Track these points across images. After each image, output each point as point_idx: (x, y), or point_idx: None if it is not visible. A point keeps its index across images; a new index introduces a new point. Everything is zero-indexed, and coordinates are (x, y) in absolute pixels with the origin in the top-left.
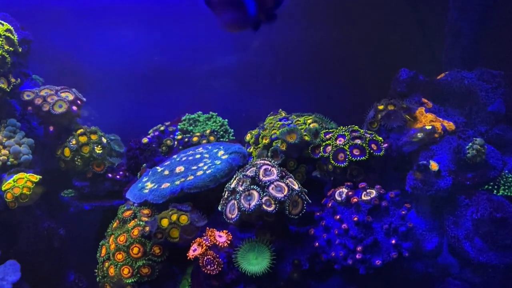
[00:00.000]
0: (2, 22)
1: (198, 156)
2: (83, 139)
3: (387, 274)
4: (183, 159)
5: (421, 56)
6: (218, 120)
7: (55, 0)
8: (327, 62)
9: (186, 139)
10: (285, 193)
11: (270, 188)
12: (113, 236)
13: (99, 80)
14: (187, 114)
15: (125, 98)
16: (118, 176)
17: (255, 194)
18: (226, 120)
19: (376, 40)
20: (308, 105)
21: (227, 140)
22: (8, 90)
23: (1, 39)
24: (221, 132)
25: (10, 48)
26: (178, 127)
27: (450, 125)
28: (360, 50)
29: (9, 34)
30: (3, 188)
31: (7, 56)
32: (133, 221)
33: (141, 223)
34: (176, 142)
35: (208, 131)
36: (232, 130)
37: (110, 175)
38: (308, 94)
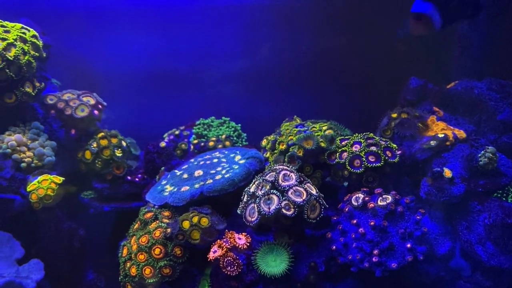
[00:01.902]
0: (28, 28)
1: (215, 160)
2: (104, 142)
3: (400, 277)
4: (201, 163)
5: (429, 65)
6: (231, 125)
7: (70, 4)
8: (336, 70)
9: (202, 144)
10: (304, 197)
11: (289, 192)
12: (135, 237)
13: (111, 84)
14: (201, 118)
15: (137, 102)
16: (137, 179)
17: (275, 198)
18: (239, 125)
19: (385, 49)
20: (316, 111)
21: (240, 145)
22: (34, 94)
23: (28, 44)
24: (235, 138)
25: (36, 54)
26: (193, 131)
27: (461, 133)
28: (370, 58)
29: (35, 40)
30: (28, 189)
31: (33, 61)
32: (155, 223)
33: (162, 224)
34: (192, 146)
35: (223, 136)
36: (245, 135)
37: (129, 177)
38: (317, 100)
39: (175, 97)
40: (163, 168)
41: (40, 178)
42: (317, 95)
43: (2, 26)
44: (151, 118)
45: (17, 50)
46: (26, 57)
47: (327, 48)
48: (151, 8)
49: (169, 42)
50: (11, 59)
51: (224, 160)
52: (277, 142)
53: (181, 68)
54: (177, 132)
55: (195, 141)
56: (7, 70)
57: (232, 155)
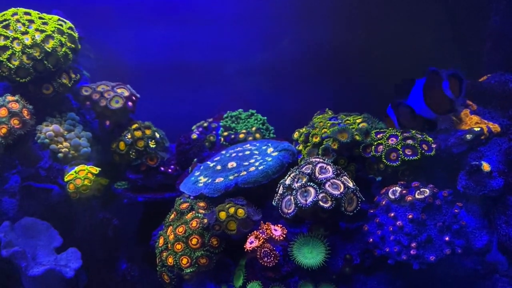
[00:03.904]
0: (65, 20)
1: (247, 152)
2: (138, 133)
3: (435, 271)
4: (233, 155)
5: (456, 59)
6: (259, 118)
7: None
8: (361, 62)
9: (233, 136)
10: (341, 190)
11: (327, 185)
12: (171, 227)
13: (136, 77)
14: (228, 111)
15: (161, 95)
16: (169, 170)
17: (312, 190)
18: (266, 118)
19: (410, 42)
20: (341, 104)
21: (268, 138)
22: (70, 85)
23: (65, 36)
24: (264, 130)
25: (72, 45)
26: (221, 124)
27: (495, 127)
28: (394, 52)
29: (71, 32)
30: (65, 179)
31: (70, 52)
32: (191, 213)
33: (199, 215)
34: (222, 138)
35: (254, 128)
36: (273, 128)
37: (162, 168)
38: (341, 93)
39: (199, 90)
40: (195, 159)
41: (77, 168)
42: (341, 88)
43: (41, 18)
44: (175, 111)
45: (55, 42)
46: (63, 49)
47: (351, 40)
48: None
49: (192, 35)
50: (49, 50)
51: (256, 152)
52: (310, 135)
53: (204, 61)
54: (205, 125)
55: (225, 133)
56: (45, 62)
57: (264, 148)
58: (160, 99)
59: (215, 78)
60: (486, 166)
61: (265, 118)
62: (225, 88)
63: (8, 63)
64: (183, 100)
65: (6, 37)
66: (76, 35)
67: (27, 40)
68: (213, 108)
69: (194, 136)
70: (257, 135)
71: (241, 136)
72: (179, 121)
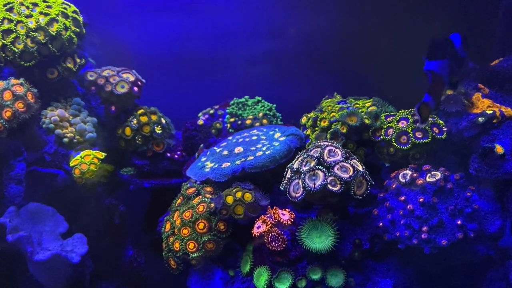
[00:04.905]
0: (69, 3)
1: (254, 137)
2: (143, 119)
3: (446, 256)
4: (240, 140)
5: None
6: (266, 105)
7: None
8: (367, 50)
9: (239, 122)
10: (350, 173)
11: (335, 168)
12: (178, 211)
13: (142, 65)
14: (235, 98)
15: (167, 84)
16: (176, 156)
17: (320, 174)
18: (274, 105)
19: (419, 26)
20: (347, 92)
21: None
22: (75, 70)
23: (69, 20)
24: (271, 116)
25: (77, 29)
26: (227, 110)
27: (508, 111)
28: (403, 37)
29: (76, 16)
30: (71, 164)
31: (74, 37)
32: (197, 198)
33: (206, 199)
34: (228, 125)
35: (260, 114)
36: (280, 115)
37: (168, 154)
38: (347, 81)
39: (205, 79)
40: (202, 145)
41: (82, 153)
42: (348, 76)
43: (45, 1)
44: (181, 100)
45: (59, 25)
46: (68, 33)
47: (357, 27)
48: None
49: (198, 23)
50: (54, 34)
51: (263, 137)
52: (318, 119)
53: (210, 50)
54: (211, 112)
55: (232, 120)
56: (50, 46)
57: (271, 133)
58: (166, 88)
59: (221, 67)
60: (499, 149)
61: (273, 105)
62: (231, 77)
63: (12, 47)
64: (189, 89)
65: (10, 20)
66: (81, 19)
67: (31, 24)
68: (219, 97)
69: (201, 122)
70: (264, 121)
71: (248, 122)
72: (185, 110)
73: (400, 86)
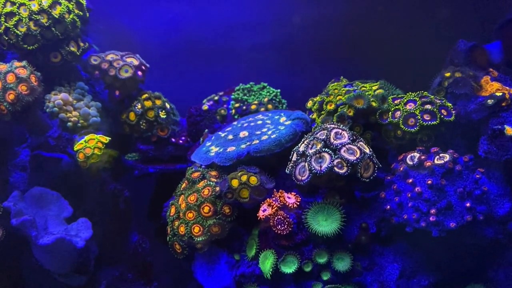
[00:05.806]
0: None
1: (259, 122)
2: (148, 103)
3: (454, 240)
4: (245, 125)
5: (475, 27)
6: (271, 91)
7: None
8: (373, 37)
9: (244, 107)
10: (357, 155)
11: (342, 150)
12: (183, 196)
13: (146, 52)
14: (240, 84)
15: (171, 71)
16: (180, 141)
17: (327, 156)
18: (279, 90)
19: (427, 14)
20: (352, 79)
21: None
22: (78, 54)
23: (72, 3)
24: (277, 102)
25: (80, 13)
26: (232, 96)
27: None
28: (410, 25)
29: None
30: (75, 148)
31: (78, 20)
32: (203, 181)
33: (211, 183)
34: (233, 110)
35: (266, 99)
36: (285, 101)
37: (173, 139)
38: (352, 69)
39: (210, 67)
40: (206, 130)
41: (86, 137)
42: (352, 63)
43: None
44: (186, 87)
45: (62, 8)
46: (71, 16)
47: (363, 14)
48: None
49: (203, 10)
50: (57, 17)
51: (268, 122)
52: (324, 103)
53: (215, 37)
54: (216, 98)
55: (237, 105)
56: (53, 29)
57: (276, 117)
58: (171, 76)
59: (226, 54)
60: (509, 130)
61: (279, 90)
62: (236, 64)
63: (15, 30)
64: (194, 77)
65: (13, 3)
66: (84, 2)
67: (34, 6)
68: (224, 85)
69: (205, 107)
70: (270, 106)
71: (253, 107)
72: (190, 98)
73: (407, 73)
